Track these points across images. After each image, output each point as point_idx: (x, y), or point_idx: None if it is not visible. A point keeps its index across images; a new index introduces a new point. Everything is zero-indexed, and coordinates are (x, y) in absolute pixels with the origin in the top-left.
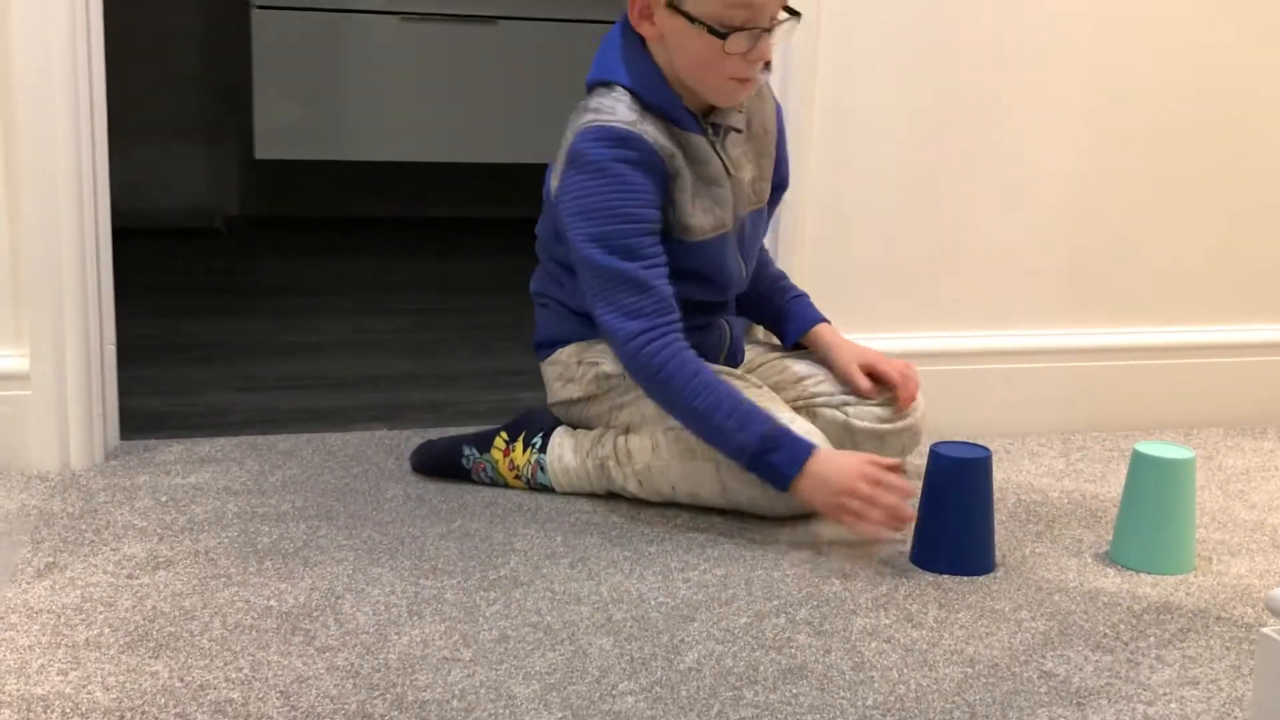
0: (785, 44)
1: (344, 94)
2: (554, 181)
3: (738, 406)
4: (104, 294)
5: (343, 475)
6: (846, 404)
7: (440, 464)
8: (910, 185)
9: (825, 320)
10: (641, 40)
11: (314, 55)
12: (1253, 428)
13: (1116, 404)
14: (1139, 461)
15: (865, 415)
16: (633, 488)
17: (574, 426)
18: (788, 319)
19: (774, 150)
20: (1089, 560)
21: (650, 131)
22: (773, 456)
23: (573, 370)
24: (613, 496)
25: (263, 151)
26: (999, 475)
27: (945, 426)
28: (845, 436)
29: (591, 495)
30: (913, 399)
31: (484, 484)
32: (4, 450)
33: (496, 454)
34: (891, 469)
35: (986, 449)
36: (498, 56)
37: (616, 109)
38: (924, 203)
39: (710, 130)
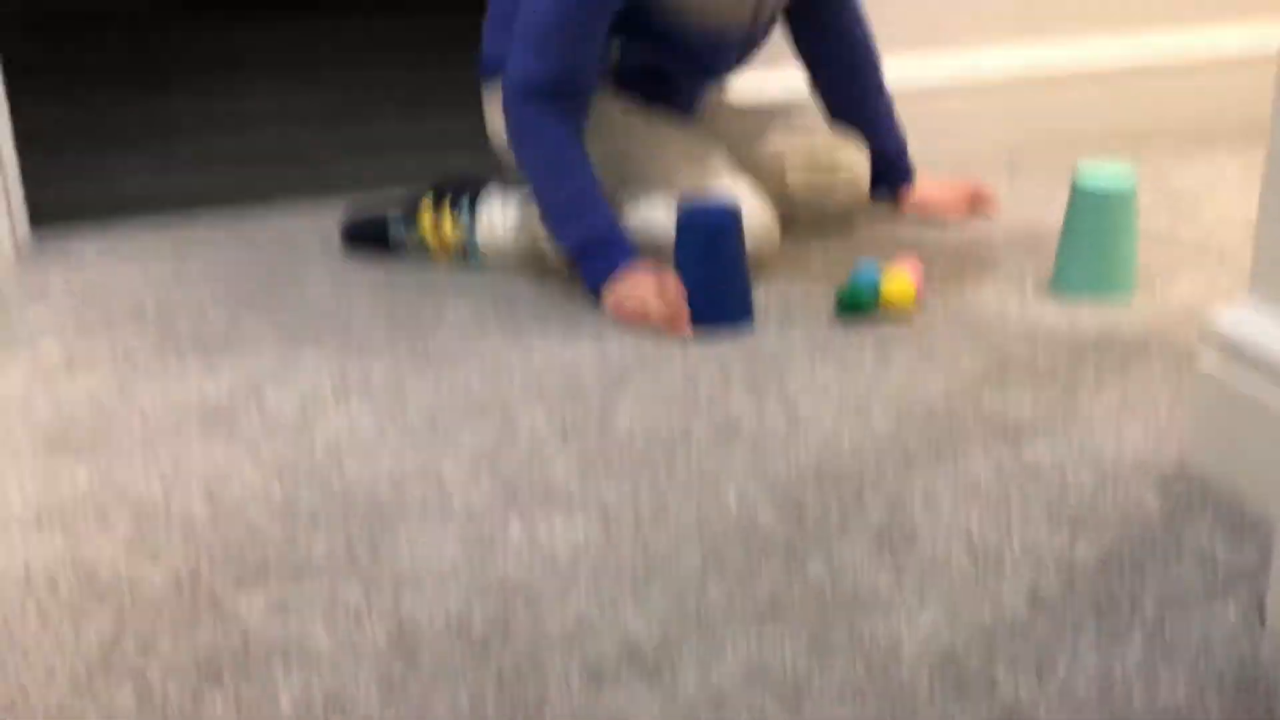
0: None
1: None
2: None
3: (577, 198)
4: None
5: (266, 261)
6: (786, 164)
7: (367, 235)
8: None
9: (909, 179)
10: None
11: None
12: (1201, 141)
13: (1065, 122)
14: (1078, 195)
15: (801, 183)
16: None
17: (509, 164)
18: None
19: None
20: (1029, 292)
21: None
22: (585, 263)
23: None
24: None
25: None
26: None
27: None
28: (783, 201)
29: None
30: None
31: (409, 253)
32: None
33: (425, 223)
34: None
35: (733, 207)
36: None
37: None
38: None
39: None
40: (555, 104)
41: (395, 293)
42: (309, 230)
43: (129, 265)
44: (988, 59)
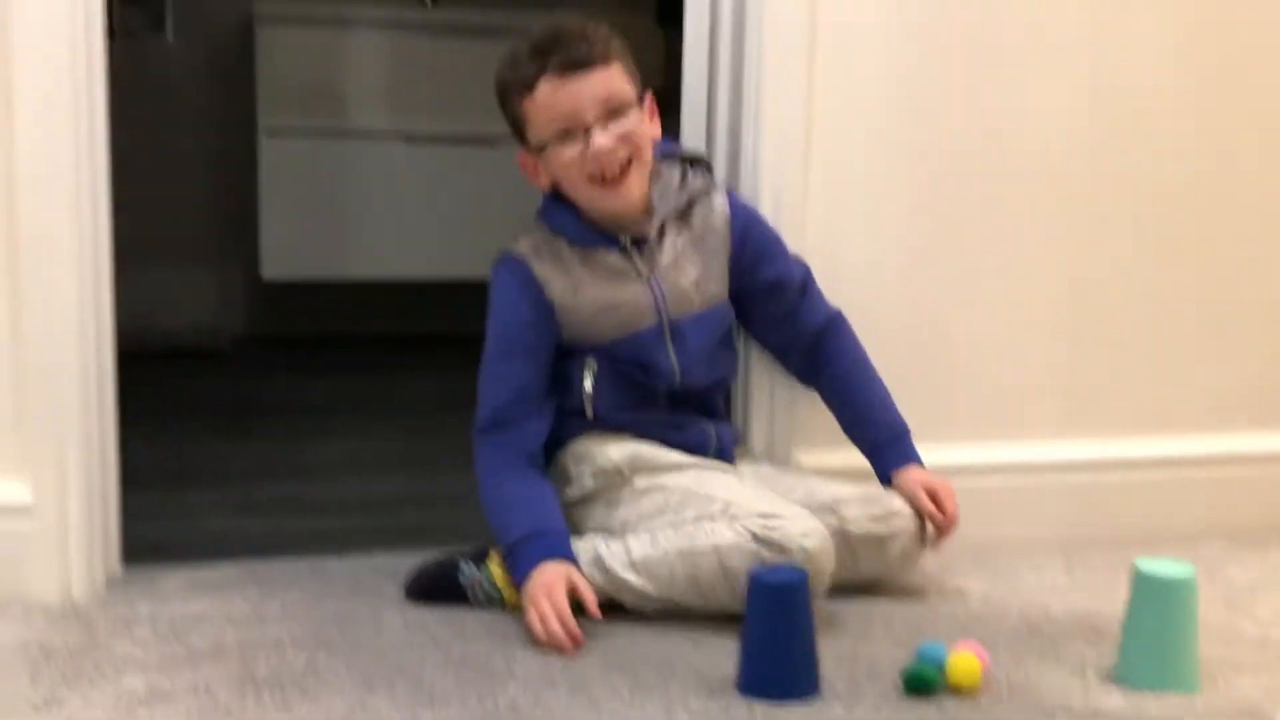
0: (778, 149)
1: (349, 214)
2: None
3: (501, 512)
4: (107, 422)
5: (342, 602)
6: (841, 503)
7: (436, 585)
8: (902, 298)
9: (914, 461)
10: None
11: (320, 177)
12: (1255, 539)
13: (1118, 517)
14: (1140, 581)
15: (859, 519)
16: (632, 579)
17: (578, 532)
18: (877, 459)
19: (726, 251)
20: (1093, 680)
21: (541, 260)
22: (512, 571)
23: (569, 470)
24: (612, 613)
25: (270, 272)
26: (1002, 590)
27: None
28: (843, 543)
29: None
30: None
31: (479, 603)
32: (5, 581)
33: (494, 567)
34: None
35: (801, 573)
36: (497, 177)
37: (520, 240)
38: (916, 313)
39: (628, 242)
40: (494, 436)
41: (466, 641)
42: (383, 574)
43: (211, 601)
44: (1037, 453)
